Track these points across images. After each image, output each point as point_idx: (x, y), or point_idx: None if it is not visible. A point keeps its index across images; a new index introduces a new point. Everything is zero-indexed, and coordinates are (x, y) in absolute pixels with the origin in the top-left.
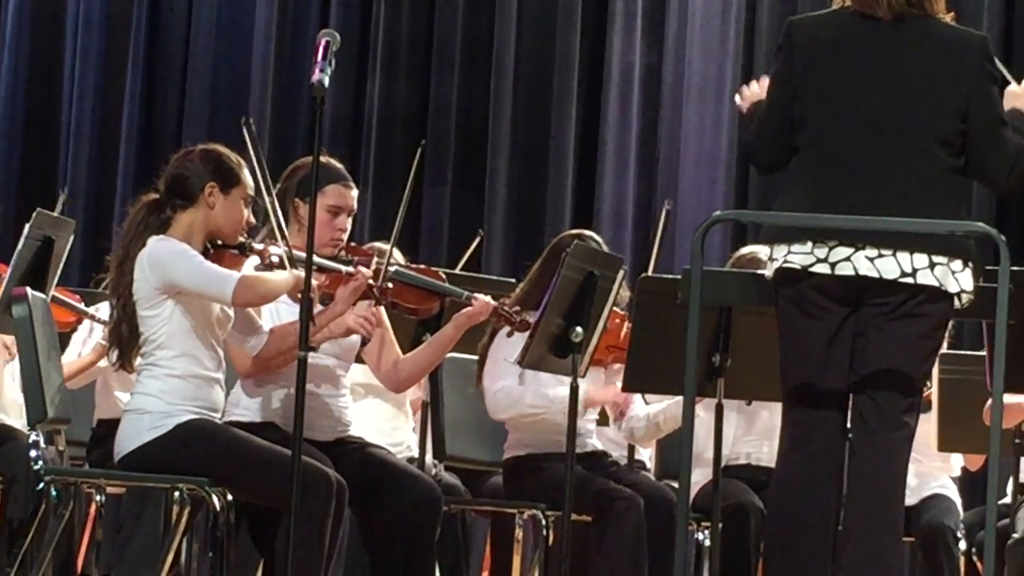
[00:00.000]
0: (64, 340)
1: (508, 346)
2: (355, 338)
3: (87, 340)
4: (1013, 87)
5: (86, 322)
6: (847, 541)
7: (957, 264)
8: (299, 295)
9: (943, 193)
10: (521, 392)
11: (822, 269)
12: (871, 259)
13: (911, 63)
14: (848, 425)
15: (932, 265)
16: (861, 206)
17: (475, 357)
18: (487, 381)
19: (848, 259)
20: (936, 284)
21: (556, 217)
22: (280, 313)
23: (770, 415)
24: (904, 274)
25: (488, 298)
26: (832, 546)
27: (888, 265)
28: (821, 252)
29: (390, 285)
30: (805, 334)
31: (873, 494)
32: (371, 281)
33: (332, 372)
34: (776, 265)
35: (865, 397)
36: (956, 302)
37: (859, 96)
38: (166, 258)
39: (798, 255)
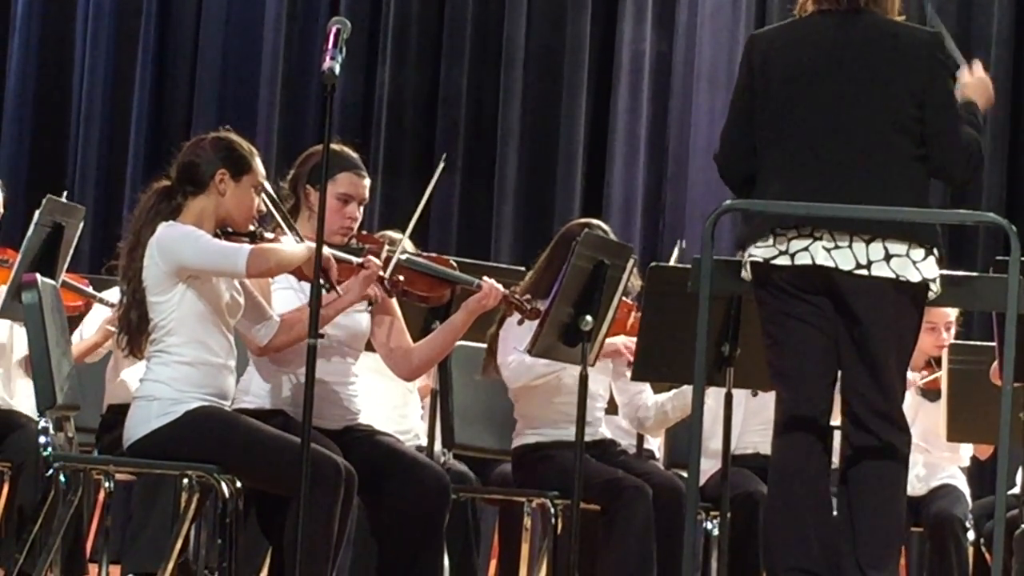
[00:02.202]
0: (71, 326)
1: (518, 333)
2: (365, 325)
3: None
4: (965, 76)
5: (96, 308)
6: (853, 532)
7: (918, 252)
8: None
9: (905, 180)
10: (533, 359)
11: (783, 261)
12: (828, 249)
13: (866, 57)
14: (837, 411)
15: (889, 256)
16: (825, 197)
17: (485, 345)
18: (500, 357)
19: (806, 249)
20: (893, 276)
21: (565, 205)
22: (289, 301)
23: None
24: (859, 265)
25: (495, 282)
26: (826, 526)
27: (844, 256)
28: (781, 245)
29: (401, 278)
30: (784, 325)
31: (874, 488)
32: (381, 272)
33: (342, 360)
34: (745, 262)
35: (853, 392)
36: (929, 292)
37: (816, 91)
38: (175, 241)
39: (761, 249)
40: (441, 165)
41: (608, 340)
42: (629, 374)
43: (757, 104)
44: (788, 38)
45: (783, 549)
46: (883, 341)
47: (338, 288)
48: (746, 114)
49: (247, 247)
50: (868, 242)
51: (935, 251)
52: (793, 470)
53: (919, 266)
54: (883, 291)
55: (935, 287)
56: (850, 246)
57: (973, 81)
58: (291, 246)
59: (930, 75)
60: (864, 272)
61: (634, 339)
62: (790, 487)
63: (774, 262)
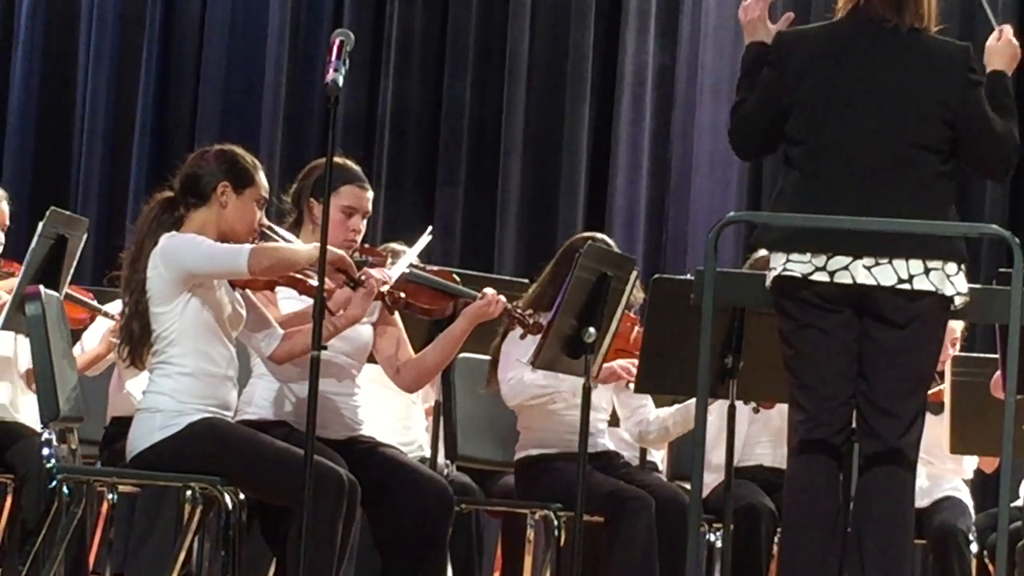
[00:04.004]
0: (73, 337)
1: (520, 347)
2: (368, 337)
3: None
4: (992, 43)
5: (98, 319)
6: (861, 548)
7: (952, 267)
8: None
9: (934, 198)
10: (532, 377)
11: (821, 277)
12: (868, 268)
13: (898, 75)
14: (853, 426)
15: (928, 271)
16: (856, 214)
17: (488, 357)
18: (500, 373)
19: (846, 268)
20: (933, 289)
21: (568, 217)
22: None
23: (781, 418)
24: (901, 280)
25: (493, 291)
26: (841, 546)
27: (885, 272)
28: (819, 261)
29: (403, 294)
30: (808, 337)
31: (885, 501)
32: (382, 288)
33: (345, 371)
34: (775, 273)
35: (871, 404)
36: (952, 304)
37: (850, 109)
38: (177, 249)
39: (797, 263)
40: (429, 237)
41: (605, 365)
42: (631, 387)
43: (788, 107)
44: (821, 49)
45: (796, 563)
46: (915, 351)
47: (360, 279)
48: (771, 104)
49: (248, 246)
50: (907, 258)
51: (963, 267)
52: (809, 489)
53: (952, 280)
54: (922, 304)
55: (960, 300)
56: (890, 262)
57: (999, 46)
58: (295, 246)
59: (962, 89)
60: (907, 287)
61: (632, 361)
62: (806, 506)
63: (811, 278)
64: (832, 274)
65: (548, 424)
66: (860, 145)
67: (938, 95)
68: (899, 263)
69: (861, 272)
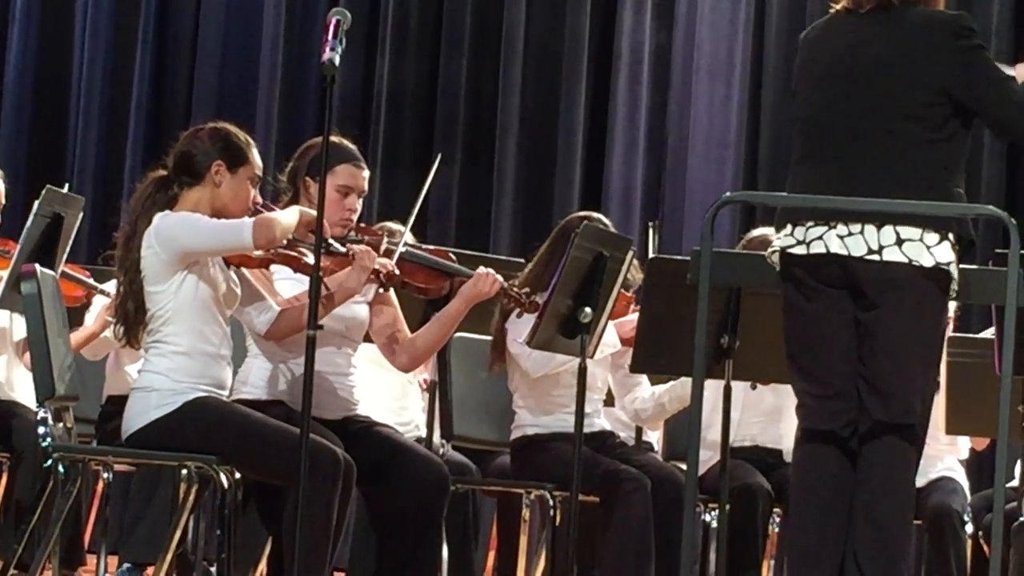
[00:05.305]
0: (75, 316)
1: (521, 326)
2: (363, 316)
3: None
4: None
5: (98, 299)
6: (857, 530)
7: (932, 237)
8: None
9: (914, 166)
10: None
11: (799, 250)
12: (841, 237)
13: (878, 49)
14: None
15: (900, 241)
16: (833, 185)
17: (485, 337)
18: (515, 349)
19: (820, 238)
20: (905, 261)
21: (565, 197)
22: (293, 291)
23: (775, 397)
24: (871, 251)
25: (491, 270)
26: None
27: (856, 242)
28: (800, 234)
29: (397, 272)
30: (807, 318)
31: (872, 480)
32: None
33: (341, 351)
34: (769, 251)
35: (866, 383)
36: (951, 282)
37: (830, 85)
38: (174, 229)
39: (781, 239)
40: (436, 163)
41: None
42: (627, 367)
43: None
44: (816, 36)
45: (807, 563)
46: (897, 327)
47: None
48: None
49: (248, 220)
50: (879, 227)
51: (949, 236)
52: (812, 482)
53: (933, 251)
54: (896, 276)
55: (955, 274)
56: (862, 232)
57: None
58: (284, 213)
59: (950, 58)
60: (876, 258)
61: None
62: (811, 495)
63: (790, 251)
64: (808, 245)
65: (544, 404)
66: (836, 119)
67: (917, 62)
68: (870, 232)
69: (835, 241)
